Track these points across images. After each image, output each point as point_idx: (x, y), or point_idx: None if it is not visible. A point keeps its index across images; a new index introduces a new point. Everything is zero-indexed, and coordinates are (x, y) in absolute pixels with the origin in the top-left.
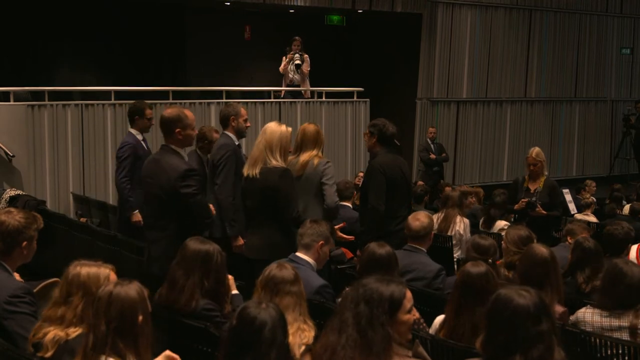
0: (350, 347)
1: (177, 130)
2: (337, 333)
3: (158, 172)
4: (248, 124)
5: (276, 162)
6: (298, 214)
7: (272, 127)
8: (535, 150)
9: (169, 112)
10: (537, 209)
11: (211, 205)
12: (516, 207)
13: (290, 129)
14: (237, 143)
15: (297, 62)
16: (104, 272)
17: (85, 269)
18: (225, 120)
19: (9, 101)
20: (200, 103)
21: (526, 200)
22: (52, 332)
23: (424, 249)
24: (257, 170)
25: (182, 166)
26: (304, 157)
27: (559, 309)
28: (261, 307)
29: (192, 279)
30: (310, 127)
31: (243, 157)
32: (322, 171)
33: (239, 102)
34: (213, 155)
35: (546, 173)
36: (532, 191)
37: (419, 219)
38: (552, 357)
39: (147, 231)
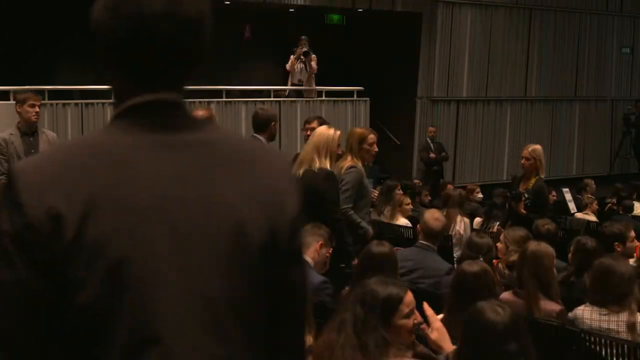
0: (349, 347)
1: (273, 123)
2: (337, 332)
3: None
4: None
5: (321, 164)
6: (340, 217)
7: (321, 129)
8: (532, 146)
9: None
10: (519, 205)
11: None
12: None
13: (339, 132)
14: None
15: (305, 49)
16: None
17: None
18: (265, 124)
19: (9, 100)
20: (200, 102)
21: (515, 192)
22: None
23: (435, 248)
24: (300, 172)
25: None
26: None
27: (555, 307)
28: None
29: None
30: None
31: None
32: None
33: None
34: None
35: (542, 175)
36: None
37: (438, 218)
38: None
39: None
